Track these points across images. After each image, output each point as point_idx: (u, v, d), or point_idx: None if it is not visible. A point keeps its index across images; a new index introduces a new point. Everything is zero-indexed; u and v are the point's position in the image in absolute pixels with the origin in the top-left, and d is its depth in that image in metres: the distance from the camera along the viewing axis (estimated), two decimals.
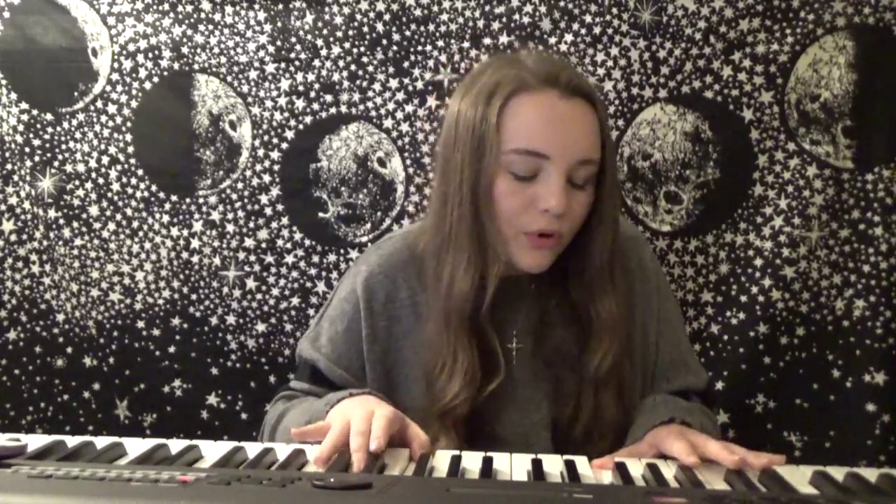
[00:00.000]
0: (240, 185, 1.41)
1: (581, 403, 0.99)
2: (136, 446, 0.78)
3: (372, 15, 1.35)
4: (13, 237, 1.45)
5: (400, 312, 1.02)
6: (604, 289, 0.98)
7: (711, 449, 0.78)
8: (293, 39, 1.37)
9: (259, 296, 1.42)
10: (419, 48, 1.36)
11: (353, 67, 1.37)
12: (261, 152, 1.40)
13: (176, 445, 0.77)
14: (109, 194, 1.43)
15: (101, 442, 0.78)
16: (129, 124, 1.41)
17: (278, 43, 1.38)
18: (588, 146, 0.93)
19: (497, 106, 0.92)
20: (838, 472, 0.74)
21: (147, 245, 1.43)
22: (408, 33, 1.35)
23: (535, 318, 1.02)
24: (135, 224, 1.43)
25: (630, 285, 1.03)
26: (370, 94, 1.37)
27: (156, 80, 1.40)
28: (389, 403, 0.87)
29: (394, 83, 1.37)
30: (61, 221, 1.43)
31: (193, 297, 1.44)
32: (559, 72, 0.94)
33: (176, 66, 1.40)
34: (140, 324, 1.45)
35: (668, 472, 0.75)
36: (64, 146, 1.42)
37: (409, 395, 1.01)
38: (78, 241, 1.44)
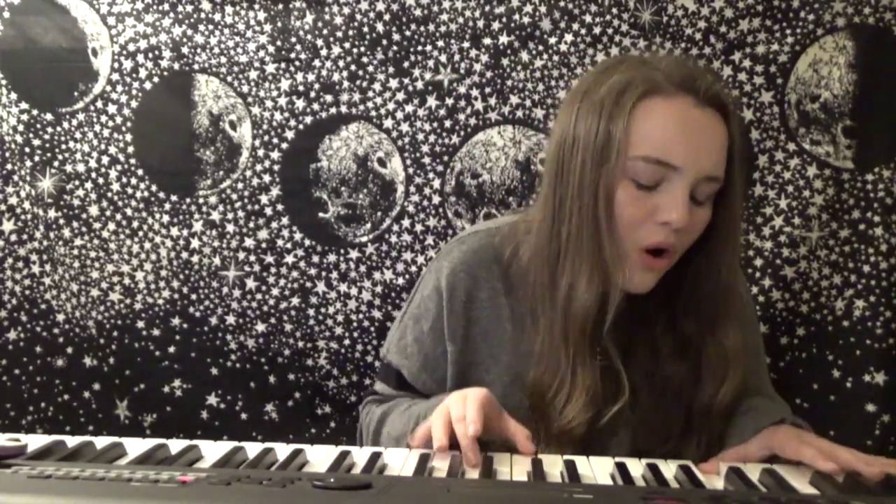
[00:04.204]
0: (240, 185, 1.41)
1: (671, 435, 0.95)
2: (136, 446, 0.78)
3: (372, 15, 1.35)
4: (13, 237, 1.45)
5: (479, 313, 0.98)
6: (723, 317, 0.93)
7: (845, 457, 0.75)
8: (293, 39, 1.37)
9: (259, 296, 1.42)
10: (419, 48, 1.36)
11: (353, 67, 1.37)
12: (261, 152, 1.40)
13: (176, 445, 0.77)
14: (109, 194, 1.43)
15: (101, 442, 0.78)
16: (129, 124, 1.41)
17: (278, 43, 1.38)
18: (717, 162, 0.87)
19: (627, 107, 0.85)
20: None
21: (147, 245, 1.43)
22: (408, 33, 1.35)
23: (622, 340, 0.96)
24: (135, 224, 1.43)
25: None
26: (370, 94, 1.37)
27: (156, 80, 1.40)
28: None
29: (394, 83, 1.37)
30: (61, 221, 1.43)
31: (193, 297, 1.44)
32: (697, 77, 0.87)
33: (176, 66, 1.40)
34: (140, 324, 1.45)
35: (669, 472, 0.75)
36: (64, 146, 1.42)
37: None
38: (78, 241, 1.44)
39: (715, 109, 0.87)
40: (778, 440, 0.82)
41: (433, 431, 0.79)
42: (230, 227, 1.42)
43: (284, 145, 1.40)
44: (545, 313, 0.93)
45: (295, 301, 1.42)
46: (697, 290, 0.93)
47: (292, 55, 1.38)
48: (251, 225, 1.41)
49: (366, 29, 1.36)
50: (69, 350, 1.47)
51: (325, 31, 1.37)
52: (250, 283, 1.42)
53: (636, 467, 0.76)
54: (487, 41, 1.34)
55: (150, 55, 1.40)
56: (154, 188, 1.42)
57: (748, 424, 0.89)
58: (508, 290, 0.98)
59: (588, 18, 1.32)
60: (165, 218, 1.42)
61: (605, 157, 0.86)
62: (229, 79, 1.40)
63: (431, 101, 1.37)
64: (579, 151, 0.88)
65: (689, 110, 0.86)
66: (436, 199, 1.39)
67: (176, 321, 1.44)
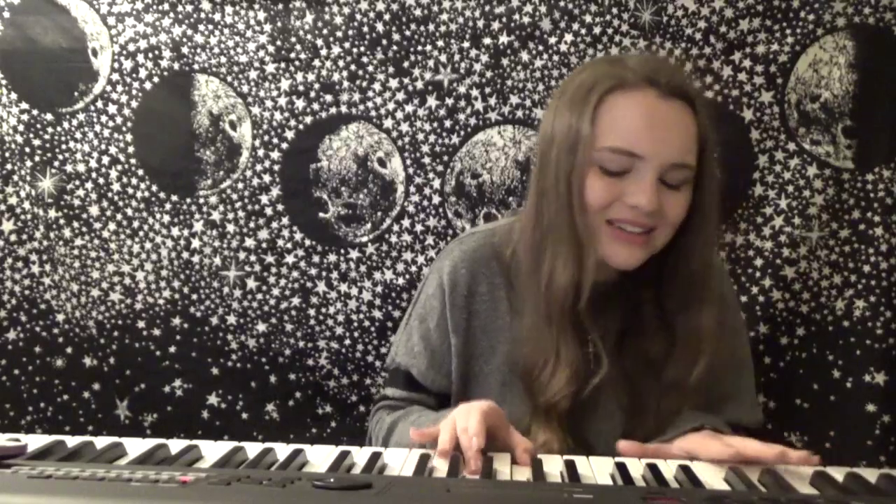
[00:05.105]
0: (240, 185, 1.41)
1: (662, 420, 0.96)
2: (136, 446, 0.78)
3: (372, 15, 1.35)
4: (13, 237, 1.45)
5: (479, 307, 1.03)
6: (697, 297, 0.97)
7: (752, 447, 0.77)
8: (293, 39, 1.37)
9: (259, 296, 1.42)
10: (419, 48, 1.36)
11: (353, 67, 1.37)
12: (261, 152, 1.40)
13: (176, 445, 0.77)
14: (110, 194, 1.43)
15: (101, 442, 0.78)
16: (129, 124, 1.41)
17: (278, 43, 1.38)
18: (683, 150, 0.92)
19: (593, 102, 0.92)
20: (838, 472, 0.74)
21: (147, 245, 1.43)
22: (408, 33, 1.35)
23: (617, 327, 1.01)
24: (135, 224, 1.43)
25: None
26: (370, 94, 1.37)
27: (156, 80, 1.40)
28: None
29: (394, 83, 1.37)
30: (61, 221, 1.43)
31: (194, 297, 1.44)
32: (660, 70, 0.93)
33: (176, 66, 1.40)
34: (140, 324, 1.45)
35: (669, 471, 0.75)
36: (64, 146, 1.42)
37: (482, 389, 1.02)
38: (78, 241, 1.44)
39: (680, 100, 0.92)
40: (694, 444, 0.84)
41: (440, 436, 0.80)
42: (231, 227, 1.42)
43: (284, 145, 1.40)
44: (531, 297, 0.98)
45: (295, 301, 1.42)
46: (677, 271, 0.97)
47: (292, 55, 1.38)
48: (251, 225, 1.41)
49: (366, 29, 1.36)
50: (69, 350, 1.47)
51: (325, 31, 1.37)
52: (251, 283, 1.42)
53: (636, 467, 0.76)
54: (487, 41, 1.34)
55: (150, 55, 1.40)
56: (154, 188, 1.42)
57: (670, 429, 0.91)
58: (508, 285, 1.03)
59: (588, 18, 1.32)
60: (166, 218, 1.42)
61: (575, 149, 0.92)
62: (229, 79, 1.40)
63: (431, 101, 1.37)
64: (555, 146, 0.95)
65: (653, 102, 0.91)
66: (436, 199, 1.39)
67: (176, 321, 1.44)
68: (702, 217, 0.96)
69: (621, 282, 1.02)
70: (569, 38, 1.33)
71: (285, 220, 1.41)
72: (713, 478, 0.74)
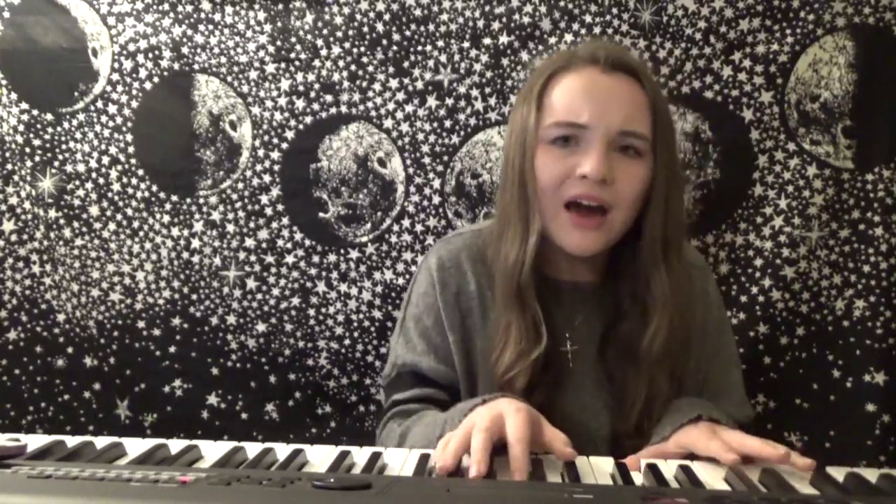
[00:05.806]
0: (240, 185, 1.41)
1: (650, 409, 0.97)
2: (135, 446, 0.78)
3: (372, 15, 1.35)
4: (13, 237, 1.45)
5: (470, 305, 1.05)
6: (655, 265, 0.98)
7: (752, 445, 0.77)
8: (293, 39, 1.37)
9: (259, 296, 1.42)
10: (419, 48, 1.36)
11: (353, 67, 1.37)
12: (261, 152, 1.40)
13: (176, 445, 0.77)
14: (110, 194, 1.43)
15: (101, 442, 0.78)
16: (129, 124, 1.41)
17: (278, 43, 1.38)
18: (629, 117, 0.94)
19: (538, 86, 0.97)
20: (838, 472, 0.74)
21: (147, 245, 1.43)
22: (408, 33, 1.35)
23: (597, 325, 1.02)
24: (135, 224, 1.43)
25: (693, 309, 1.02)
26: (370, 94, 1.37)
27: (156, 80, 1.40)
28: (521, 401, 0.81)
29: (394, 83, 1.37)
30: (62, 221, 1.43)
31: (194, 297, 1.44)
32: (602, 50, 0.97)
33: (176, 66, 1.40)
34: (140, 324, 1.45)
35: (669, 471, 0.75)
36: (64, 146, 1.42)
37: (486, 385, 1.02)
38: (78, 242, 1.44)
39: (624, 73, 0.96)
40: (692, 438, 0.83)
41: (448, 446, 0.73)
42: (230, 227, 1.42)
43: (284, 145, 1.40)
44: (497, 285, 1.01)
45: (295, 301, 1.42)
46: (643, 248, 0.99)
47: (292, 55, 1.38)
48: (251, 225, 1.41)
49: (366, 29, 1.36)
50: (69, 350, 1.47)
51: (325, 31, 1.36)
52: (251, 283, 1.42)
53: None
54: (487, 41, 1.34)
55: (150, 55, 1.40)
56: (154, 188, 1.42)
57: (668, 423, 0.90)
58: (494, 285, 1.04)
59: (588, 18, 1.32)
60: (166, 218, 1.42)
61: (525, 134, 0.97)
62: (229, 79, 1.40)
63: (431, 101, 1.37)
64: (512, 136, 1.01)
65: (595, 77, 0.96)
66: (436, 199, 1.39)
67: (176, 321, 1.44)
68: (662, 191, 0.97)
69: (603, 283, 1.04)
70: (569, 38, 1.33)
71: (285, 220, 1.41)
72: (713, 478, 0.74)
